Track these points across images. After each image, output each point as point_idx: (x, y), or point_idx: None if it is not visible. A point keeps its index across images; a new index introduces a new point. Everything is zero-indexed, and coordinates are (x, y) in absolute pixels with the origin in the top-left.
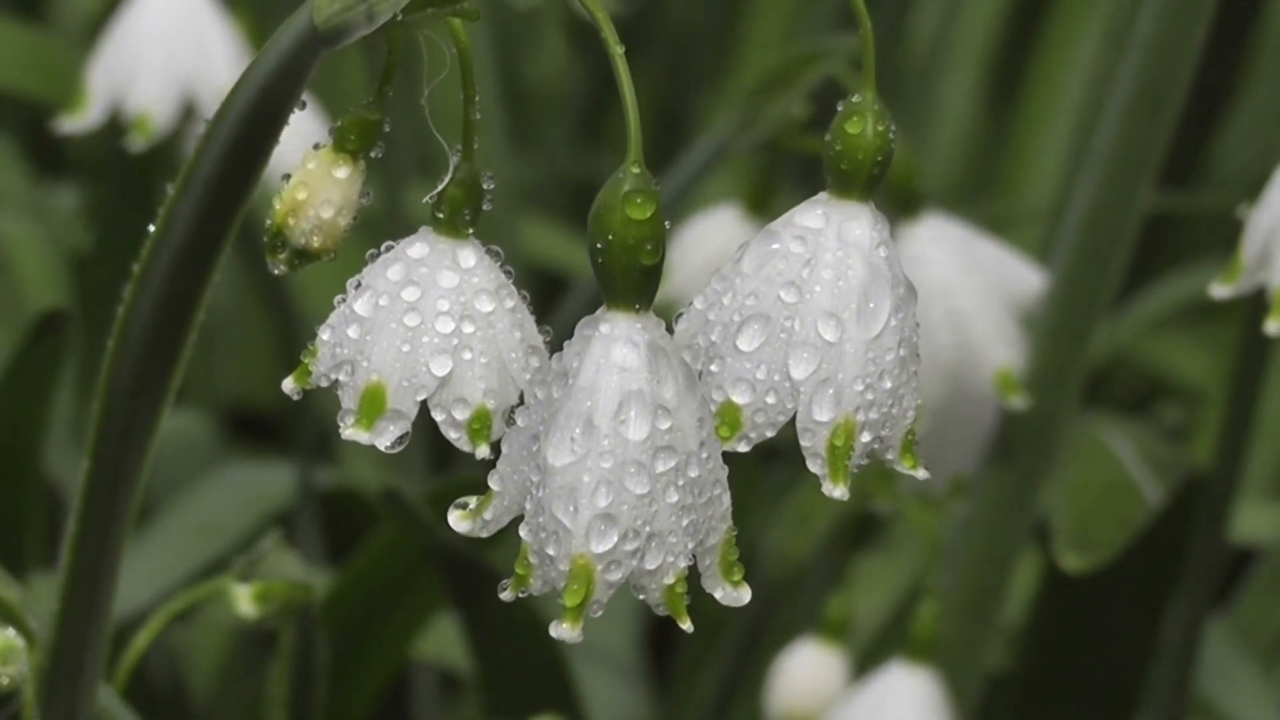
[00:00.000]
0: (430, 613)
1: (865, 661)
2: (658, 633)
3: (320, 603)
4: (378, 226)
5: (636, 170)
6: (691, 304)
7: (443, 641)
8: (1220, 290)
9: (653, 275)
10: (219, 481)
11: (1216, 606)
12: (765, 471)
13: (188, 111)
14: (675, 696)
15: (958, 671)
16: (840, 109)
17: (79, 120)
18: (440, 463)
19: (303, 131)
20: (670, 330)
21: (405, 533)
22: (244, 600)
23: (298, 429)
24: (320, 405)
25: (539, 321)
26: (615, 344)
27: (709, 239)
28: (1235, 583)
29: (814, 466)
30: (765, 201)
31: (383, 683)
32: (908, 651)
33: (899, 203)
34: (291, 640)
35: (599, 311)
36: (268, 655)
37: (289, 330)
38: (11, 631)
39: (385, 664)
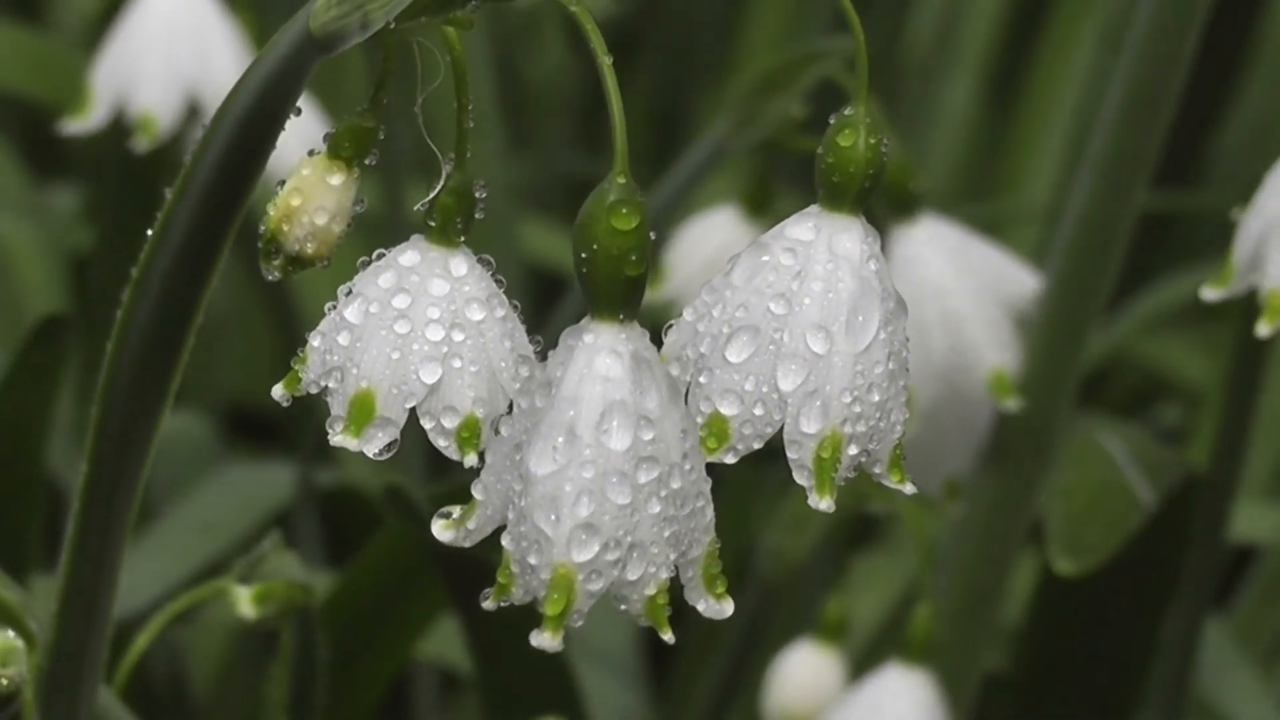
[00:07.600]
0: (432, 615)
1: (862, 663)
2: (657, 634)
3: (321, 603)
4: (378, 228)
5: (622, 180)
6: (681, 316)
7: (443, 642)
8: (1211, 293)
9: (637, 286)
10: (219, 482)
11: (1215, 606)
12: (764, 472)
13: (191, 112)
14: (675, 697)
15: (954, 673)
16: (833, 121)
17: (83, 121)
18: (439, 465)
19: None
20: (656, 340)
21: (407, 532)
22: (244, 601)
23: (298, 429)
24: (321, 405)
25: (538, 322)
26: (599, 354)
27: (708, 239)
28: (1234, 583)
29: (801, 478)
30: (764, 202)
31: (383, 684)
32: (904, 653)
33: (895, 204)
34: (292, 641)
35: (583, 321)
36: (268, 656)
37: (289, 329)
38: (11, 633)
39: (386, 665)
